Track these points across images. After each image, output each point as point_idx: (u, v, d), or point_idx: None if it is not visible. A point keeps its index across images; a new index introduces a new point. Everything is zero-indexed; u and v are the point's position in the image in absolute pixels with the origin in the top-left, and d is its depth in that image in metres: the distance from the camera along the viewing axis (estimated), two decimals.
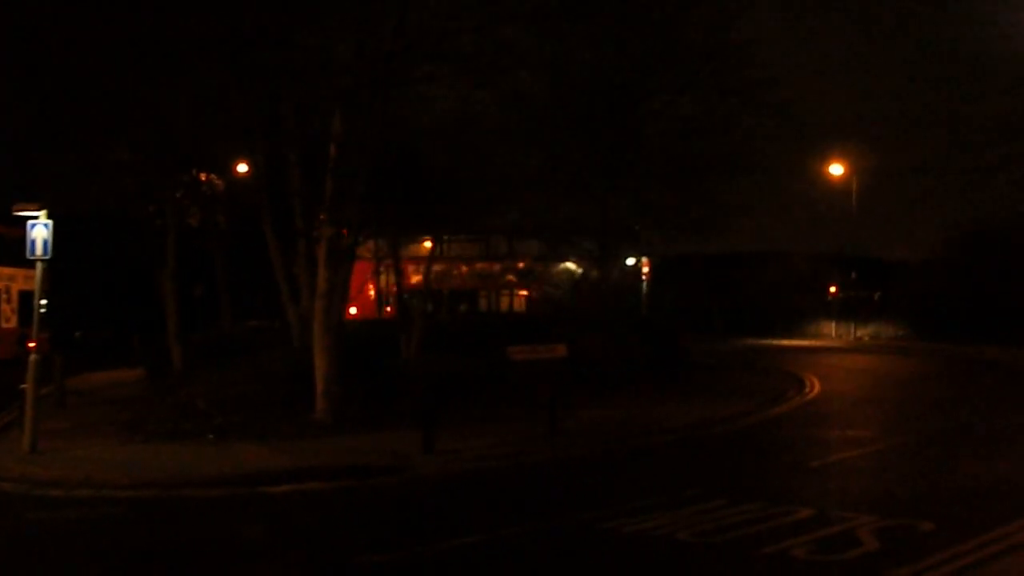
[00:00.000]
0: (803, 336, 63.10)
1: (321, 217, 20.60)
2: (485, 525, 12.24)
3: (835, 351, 45.47)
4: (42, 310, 19.34)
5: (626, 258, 42.34)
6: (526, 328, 30.01)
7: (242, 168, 28.73)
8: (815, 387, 29.16)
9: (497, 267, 57.68)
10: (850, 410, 24.93)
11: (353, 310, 41.59)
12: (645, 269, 45.52)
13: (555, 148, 30.06)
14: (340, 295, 21.09)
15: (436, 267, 37.53)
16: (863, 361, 40.55)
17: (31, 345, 18.60)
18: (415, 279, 43.80)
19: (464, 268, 57.07)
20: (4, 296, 39.75)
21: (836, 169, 51.89)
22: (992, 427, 20.75)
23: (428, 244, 33.17)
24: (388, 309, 44.28)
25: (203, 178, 29.24)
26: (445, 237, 43.79)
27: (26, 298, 37.34)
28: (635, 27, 28.70)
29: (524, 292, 55.18)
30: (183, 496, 14.52)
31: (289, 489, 14.76)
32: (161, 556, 11.45)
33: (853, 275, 64.24)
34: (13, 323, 39.75)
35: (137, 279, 35.07)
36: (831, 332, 63.93)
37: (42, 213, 17.29)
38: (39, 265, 17.91)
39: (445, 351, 24.79)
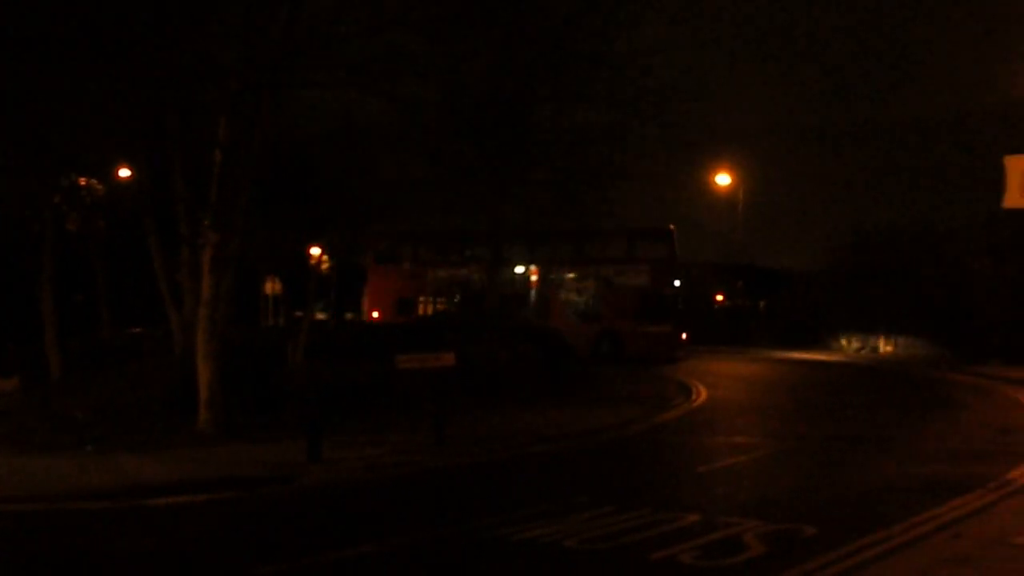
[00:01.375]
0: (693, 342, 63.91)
1: (206, 223, 20.25)
2: (373, 535, 12.12)
3: (721, 358, 46.13)
4: None
5: (515, 266, 42.47)
6: (417, 335, 29.84)
7: (124, 173, 28.08)
8: (702, 394, 29.53)
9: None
10: (736, 417, 25.29)
11: (376, 314, 44.90)
12: (534, 277, 45.54)
13: (445, 155, 30.02)
14: (225, 302, 20.73)
15: None
16: (749, 368, 41.20)
17: None
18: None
19: None
20: None
21: (723, 179, 52.70)
22: (875, 433, 21.21)
23: (316, 251, 32.79)
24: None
25: (83, 183, 28.50)
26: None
27: None
28: (525, 35, 28.77)
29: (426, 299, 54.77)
30: (64, 509, 14.03)
31: (173, 501, 14.42)
32: (42, 572, 11.10)
33: (739, 284, 65.27)
34: None
35: (12, 285, 34.07)
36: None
37: None
38: None
39: (334, 358, 24.54)
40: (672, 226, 45.11)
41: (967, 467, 16.23)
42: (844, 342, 54.52)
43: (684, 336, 45.89)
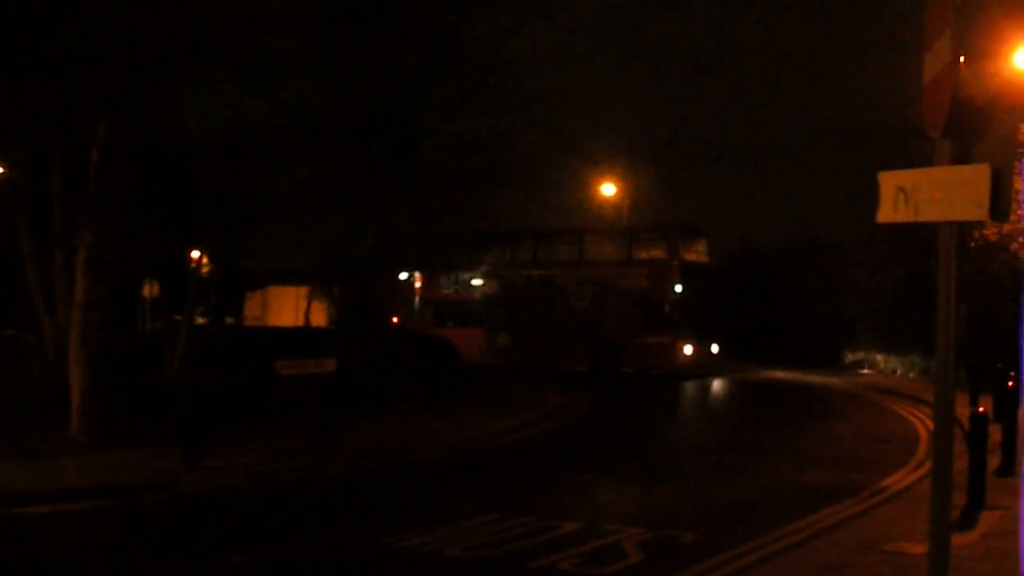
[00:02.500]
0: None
1: (81, 224, 19.68)
2: (246, 545, 11.87)
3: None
4: None
5: (399, 272, 42.22)
6: (300, 341, 29.45)
7: None
8: (587, 403, 29.69)
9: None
10: (620, 424, 25.46)
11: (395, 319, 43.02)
12: (418, 284, 45.30)
13: (331, 160, 29.73)
14: (101, 305, 20.17)
15: None
16: (635, 378, 41.50)
17: None
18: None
19: None
20: None
21: (608, 189, 53.05)
22: (755, 442, 21.50)
23: (196, 254, 32.21)
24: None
25: None
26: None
27: None
28: (413, 40, 28.66)
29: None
30: None
31: (44, 510, 13.93)
32: None
33: None
34: None
35: None
36: None
37: None
38: None
39: (214, 364, 24.07)
40: (674, 224, 41.71)
41: (844, 475, 16.55)
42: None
43: (713, 349, 41.76)
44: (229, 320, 53.03)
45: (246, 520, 13.85)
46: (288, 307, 56.75)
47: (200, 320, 42.55)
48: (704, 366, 40.82)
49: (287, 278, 52.59)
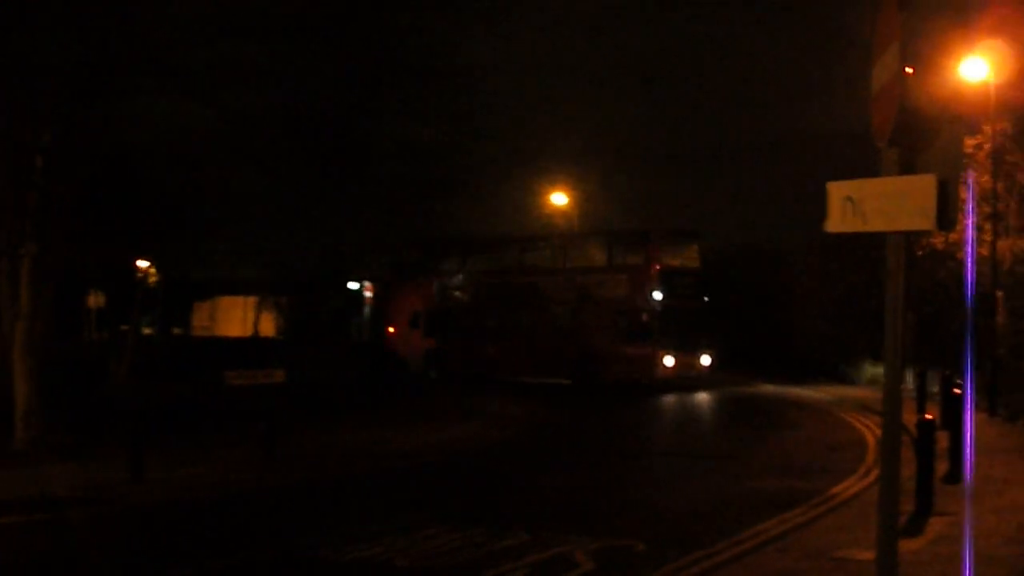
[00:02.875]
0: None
1: (25, 233, 19.41)
2: (192, 558, 11.73)
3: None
4: None
5: (348, 282, 42.04)
6: (248, 352, 29.27)
7: None
8: (538, 412, 29.66)
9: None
10: (569, 435, 25.46)
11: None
12: (368, 294, 45.14)
13: (280, 169, 29.53)
14: (46, 315, 19.92)
15: None
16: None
17: None
18: None
19: None
20: None
21: (559, 198, 53.15)
22: (709, 451, 21.57)
23: (143, 264, 31.93)
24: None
25: None
26: None
27: None
28: (363, 48, 28.57)
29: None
30: None
31: None
32: None
33: None
34: None
35: None
36: None
37: None
38: None
39: (161, 374, 23.87)
40: (655, 228, 38.95)
41: (794, 483, 16.62)
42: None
43: (704, 360, 38.61)
44: (177, 330, 52.61)
45: (192, 533, 13.66)
46: (237, 317, 56.38)
47: (147, 330, 42.21)
48: (692, 378, 38.08)
49: (236, 288, 52.28)
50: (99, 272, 30.85)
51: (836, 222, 7.21)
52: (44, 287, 19.57)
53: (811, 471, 18.03)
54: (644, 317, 36.59)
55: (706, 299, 38.09)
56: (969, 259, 26.41)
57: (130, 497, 15.47)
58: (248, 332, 49.54)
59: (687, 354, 37.29)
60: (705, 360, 38.33)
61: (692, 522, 13.56)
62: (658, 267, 36.75)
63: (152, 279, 33.35)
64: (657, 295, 36.26)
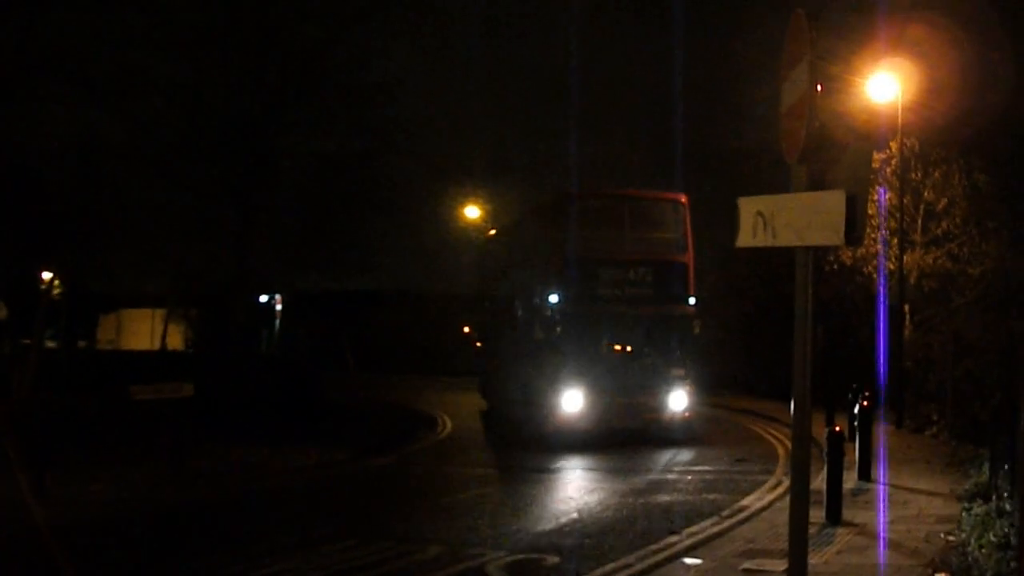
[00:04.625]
0: (436, 373, 64.07)
1: None
2: None
3: (469, 389, 46.08)
4: None
5: (258, 295, 41.55)
6: (155, 365, 28.76)
7: None
8: (447, 425, 29.56)
9: None
10: (480, 448, 25.40)
11: None
12: (279, 307, 44.66)
13: (186, 179, 29.09)
14: None
15: None
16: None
17: None
18: None
19: None
20: None
21: (472, 212, 53.14)
22: (619, 465, 21.59)
23: (47, 275, 31.25)
24: None
25: None
26: None
27: None
28: (274, 59, 28.35)
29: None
30: None
31: None
32: None
33: None
34: None
35: None
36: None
37: None
38: None
39: (64, 389, 23.35)
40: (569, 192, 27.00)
41: (704, 496, 16.74)
42: None
43: (678, 404, 25.24)
44: (81, 343, 51.55)
45: (88, 552, 13.31)
46: (144, 330, 55.46)
47: (50, 343, 41.30)
48: (642, 430, 25.17)
49: (143, 300, 51.42)
50: (1, 283, 30.09)
51: (747, 237, 7.26)
52: None
53: (719, 484, 18.17)
54: (538, 333, 25.14)
55: (691, 302, 25.25)
56: (881, 273, 26.88)
57: (33, 515, 15.06)
58: (156, 345, 48.76)
59: (629, 394, 24.63)
60: (677, 401, 25.14)
61: (603, 535, 13.56)
62: (565, 253, 24.79)
63: (56, 291, 32.65)
64: (555, 298, 24.56)
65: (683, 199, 25.65)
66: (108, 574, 11.71)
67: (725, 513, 14.96)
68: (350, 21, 28.34)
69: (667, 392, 25.02)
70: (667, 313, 24.99)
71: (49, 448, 16.44)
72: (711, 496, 16.65)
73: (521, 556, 12.13)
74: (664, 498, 16.70)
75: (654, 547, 12.54)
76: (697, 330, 25.86)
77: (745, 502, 15.94)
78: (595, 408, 24.29)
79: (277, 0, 27.97)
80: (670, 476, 19.56)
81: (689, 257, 25.31)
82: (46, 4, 20.02)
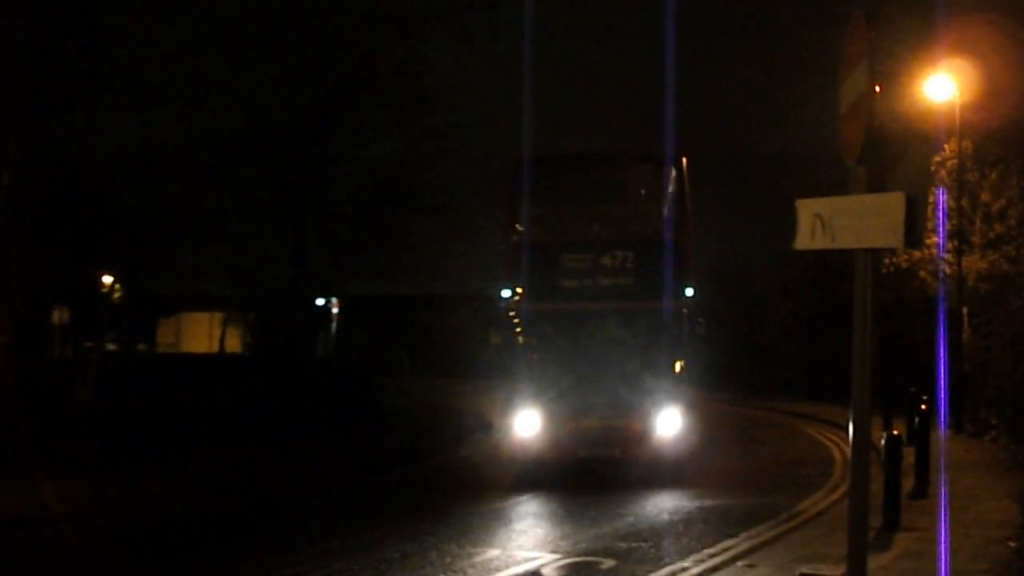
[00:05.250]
0: (492, 377, 64.11)
1: None
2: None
3: None
4: None
5: (315, 299, 41.84)
6: (213, 368, 29.07)
7: None
8: (501, 428, 29.58)
9: None
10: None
11: None
12: (335, 310, 44.91)
13: (243, 185, 29.39)
14: (7, 331, 19.73)
15: None
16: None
17: None
18: None
19: None
20: None
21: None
22: (671, 468, 21.45)
23: (108, 279, 31.64)
24: None
25: None
26: None
27: None
28: (329, 65, 28.55)
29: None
30: None
31: None
32: None
33: None
34: None
35: None
36: None
37: None
38: None
39: (124, 392, 23.67)
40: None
41: (761, 499, 16.65)
42: None
43: (668, 428, 18.94)
44: (141, 347, 52.15)
45: (157, 552, 13.53)
46: (203, 333, 55.96)
47: (111, 346, 41.86)
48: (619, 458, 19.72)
49: (201, 304, 51.90)
50: (63, 288, 30.56)
51: (805, 239, 7.24)
52: (6, 303, 19.39)
53: (775, 486, 18.07)
54: (493, 338, 20.49)
55: (688, 294, 19.64)
56: (939, 276, 26.57)
57: (97, 515, 15.32)
58: (214, 348, 49.22)
59: (601, 415, 18.93)
60: (667, 424, 18.82)
61: (658, 539, 13.55)
62: (519, 236, 19.68)
63: (117, 295, 33.09)
64: (507, 293, 19.74)
65: (674, 160, 19.73)
66: (169, 572, 11.86)
67: (783, 516, 14.88)
68: (405, 25, 28.48)
69: (654, 413, 18.65)
70: (654, 309, 18.81)
71: (111, 450, 16.68)
72: (768, 499, 16.54)
73: (576, 559, 12.15)
74: (721, 500, 16.59)
75: (710, 550, 12.50)
76: (700, 329, 20.00)
77: (803, 505, 15.84)
78: (555, 432, 18.73)
79: (332, 5, 28.17)
80: (725, 479, 19.34)
81: (685, 235, 19.66)
82: (106, 15, 20.32)
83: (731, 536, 13.36)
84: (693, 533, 13.83)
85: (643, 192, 20.61)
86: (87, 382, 24.60)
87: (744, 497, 17.05)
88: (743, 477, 19.82)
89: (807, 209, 7.24)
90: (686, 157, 19.90)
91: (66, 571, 12.58)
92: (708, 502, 16.57)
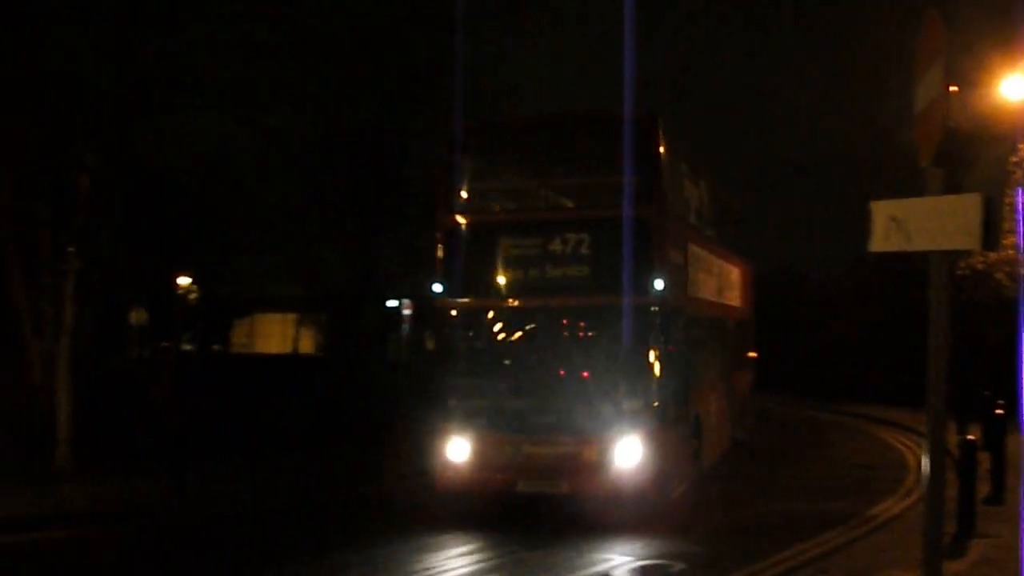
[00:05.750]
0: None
1: (70, 250, 19.64)
2: (243, 571, 11.82)
3: None
4: None
5: (387, 300, 42.10)
6: (286, 368, 29.38)
7: None
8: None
9: None
10: None
11: None
12: (407, 312, 44.98)
13: (316, 187, 29.71)
14: (89, 332, 20.13)
15: None
16: None
17: None
18: None
19: None
20: None
21: None
22: (744, 471, 21.40)
23: (184, 281, 32.17)
24: None
25: None
26: None
27: None
28: (399, 66, 28.74)
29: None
30: None
31: (27, 537, 13.87)
32: None
33: None
34: None
35: None
36: None
37: None
38: None
39: (200, 392, 24.03)
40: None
41: (832, 504, 16.51)
42: None
43: (627, 459, 14.78)
44: (216, 347, 52.84)
45: (229, 550, 13.73)
46: (276, 334, 56.53)
47: (187, 346, 42.50)
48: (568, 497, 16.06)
49: (274, 305, 52.46)
50: (141, 289, 31.07)
51: (880, 241, 7.19)
52: (87, 304, 19.80)
53: (848, 491, 17.90)
54: (427, 343, 18.99)
55: (658, 287, 14.82)
56: (1019, 277, 26.09)
57: (173, 513, 15.60)
58: (287, 349, 49.72)
59: (546, 441, 15.17)
60: (628, 453, 14.80)
61: (728, 543, 13.50)
62: (451, 218, 16.17)
63: (193, 296, 33.61)
64: (438, 288, 15.96)
65: (642, 120, 15.49)
66: (233, 571, 12.04)
67: (855, 521, 14.76)
68: (475, 27, 28.59)
69: (613, 439, 14.67)
70: (615, 306, 14.78)
71: (187, 448, 16.94)
72: (840, 504, 16.39)
73: (648, 561, 12.17)
74: (793, 505, 16.48)
75: (781, 555, 12.43)
76: (675, 333, 15.65)
77: (875, 510, 15.70)
78: (489, 461, 15.25)
79: (402, 8, 28.37)
80: (796, 483, 19.22)
81: (656, 212, 15.23)
82: (181, 21, 20.64)
83: (802, 540, 13.29)
84: (766, 537, 13.74)
85: (602, 161, 16.19)
86: (164, 382, 25.01)
87: (815, 501, 16.91)
88: (813, 481, 19.65)
89: (882, 211, 7.19)
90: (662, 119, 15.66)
91: (145, 567, 12.81)
92: (781, 506, 16.48)
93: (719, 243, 21.55)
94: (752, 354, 26.20)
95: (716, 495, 17.87)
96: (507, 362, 15.69)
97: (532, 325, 15.71)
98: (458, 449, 15.35)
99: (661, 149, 15.44)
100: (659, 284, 14.69)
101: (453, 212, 15.92)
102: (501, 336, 15.93)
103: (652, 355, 14.63)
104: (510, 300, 15.63)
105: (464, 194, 16.21)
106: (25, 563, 12.84)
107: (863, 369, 42.26)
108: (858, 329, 42.03)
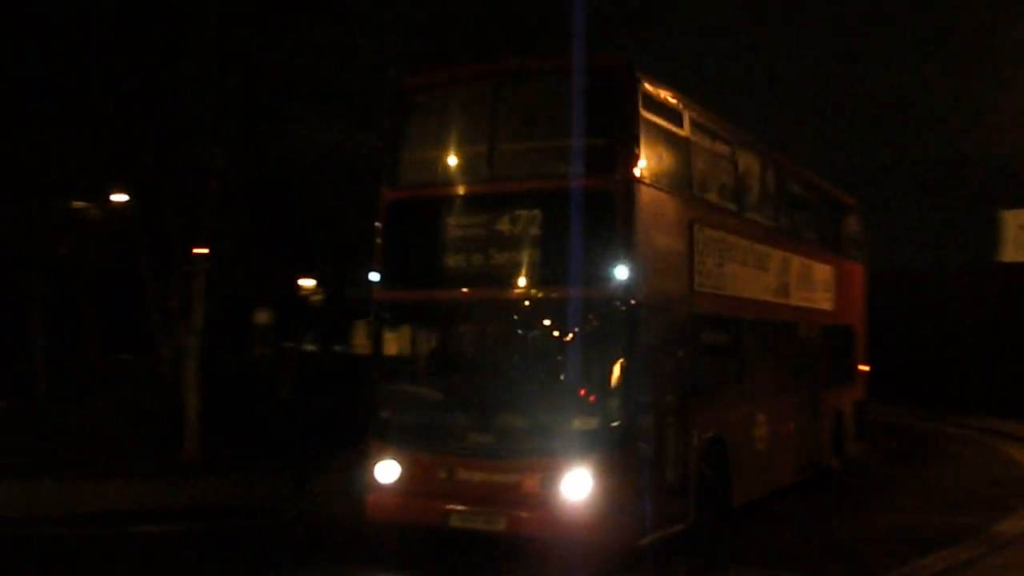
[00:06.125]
0: None
1: (198, 251, 20.23)
2: (360, 570, 12.03)
3: None
4: None
5: None
6: None
7: (119, 198, 27.92)
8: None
9: None
10: None
11: None
12: None
13: None
14: (216, 330, 20.71)
15: None
16: None
17: None
18: None
19: None
20: None
21: None
22: (867, 484, 20.99)
23: (309, 282, 32.79)
24: None
25: (77, 207, 28.37)
26: None
27: None
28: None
29: None
30: (42, 534, 13.92)
31: (153, 529, 14.33)
32: None
33: None
34: None
35: (2, 308, 33.90)
36: None
37: None
38: None
39: (322, 391, 24.42)
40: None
41: (955, 518, 16.12)
42: None
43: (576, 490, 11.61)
44: (337, 348, 53.69)
45: (347, 547, 13.89)
46: None
47: (309, 347, 43.28)
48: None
49: None
50: (266, 290, 31.72)
51: (1012, 251, 7.10)
52: (216, 303, 20.37)
53: (972, 506, 17.48)
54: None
55: (620, 277, 11.85)
56: None
57: (294, 510, 15.89)
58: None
59: (486, 464, 12.27)
60: (579, 483, 11.64)
61: (844, 556, 13.30)
62: (385, 193, 13.72)
63: (316, 298, 34.19)
64: (374, 277, 13.80)
65: (607, 70, 12.54)
66: (353, 570, 12.22)
67: (980, 538, 14.42)
68: (589, 32, 28.59)
69: (560, 465, 11.73)
70: (570, 301, 11.99)
71: (309, 447, 17.24)
72: (964, 519, 15.99)
73: (761, 572, 12.10)
74: (914, 519, 16.10)
75: (903, 570, 12.23)
76: (654, 333, 12.44)
77: (1001, 527, 15.31)
78: (419, 486, 12.62)
79: (515, 14, 28.53)
80: (919, 497, 18.73)
81: (622, 182, 12.16)
82: (307, 30, 21.06)
83: (924, 556, 13.03)
84: (886, 551, 13.53)
85: (566, 118, 12.43)
86: (286, 381, 25.53)
87: (939, 516, 16.53)
88: (935, 494, 19.22)
89: (1014, 220, 7.11)
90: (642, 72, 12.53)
91: (262, 564, 13.05)
92: (902, 519, 16.13)
93: (790, 234, 17.83)
94: (862, 367, 22.78)
95: (834, 506, 17.56)
96: (444, 366, 13.39)
97: (473, 322, 13.32)
98: (385, 472, 12.78)
99: (633, 103, 12.27)
100: (622, 273, 11.73)
101: (386, 186, 13.42)
102: (439, 335, 13.71)
103: (613, 361, 11.66)
104: (448, 292, 12.82)
105: (400, 164, 13.60)
106: (140, 554, 13.22)
107: (987, 381, 41.14)
108: (980, 338, 40.89)
